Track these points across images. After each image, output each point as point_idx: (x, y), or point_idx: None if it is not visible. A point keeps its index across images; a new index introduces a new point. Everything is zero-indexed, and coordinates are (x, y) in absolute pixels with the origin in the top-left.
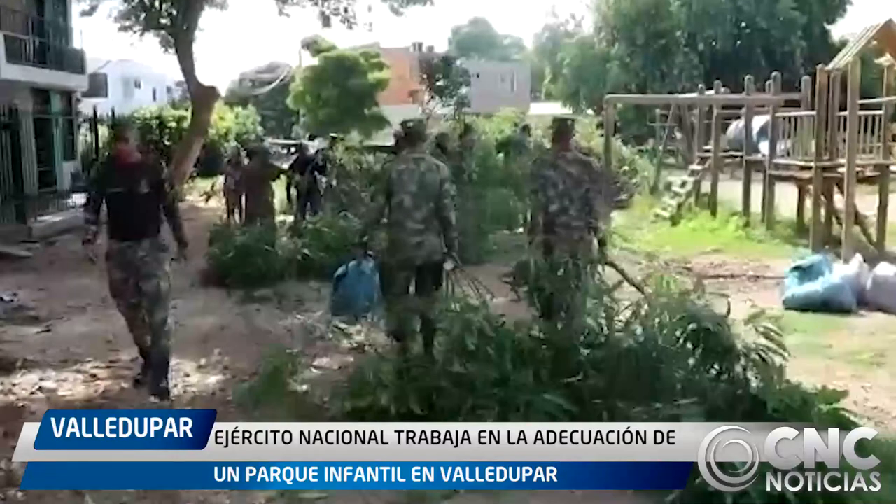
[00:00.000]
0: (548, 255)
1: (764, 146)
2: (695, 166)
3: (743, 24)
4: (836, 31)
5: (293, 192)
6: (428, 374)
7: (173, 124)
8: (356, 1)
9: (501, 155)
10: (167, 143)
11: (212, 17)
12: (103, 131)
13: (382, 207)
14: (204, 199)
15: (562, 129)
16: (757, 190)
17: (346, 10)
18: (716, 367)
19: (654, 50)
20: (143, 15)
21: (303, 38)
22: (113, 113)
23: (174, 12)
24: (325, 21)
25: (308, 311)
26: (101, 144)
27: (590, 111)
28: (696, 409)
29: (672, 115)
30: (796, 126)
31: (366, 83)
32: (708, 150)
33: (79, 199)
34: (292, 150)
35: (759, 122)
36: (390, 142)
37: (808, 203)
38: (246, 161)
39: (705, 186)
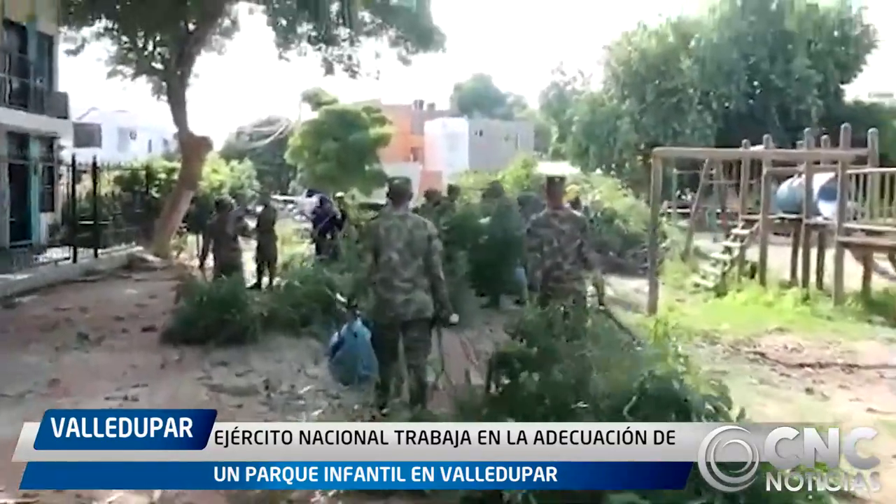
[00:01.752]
0: (544, 308)
1: (825, 208)
2: (739, 230)
3: (756, 83)
4: (850, 90)
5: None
6: None
7: (163, 176)
8: (361, 48)
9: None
10: (155, 195)
11: (209, 66)
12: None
13: (373, 266)
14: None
15: (554, 187)
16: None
17: (349, 58)
18: None
19: (666, 107)
20: (134, 58)
21: (303, 90)
22: (94, 162)
23: (167, 56)
24: (328, 69)
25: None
26: (78, 196)
27: (598, 170)
28: None
29: (705, 172)
30: (864, 186)
31: (367, 138)
32: (752, 212)
33: (56, 253)
34: (290, 205)
35: (818, 180)
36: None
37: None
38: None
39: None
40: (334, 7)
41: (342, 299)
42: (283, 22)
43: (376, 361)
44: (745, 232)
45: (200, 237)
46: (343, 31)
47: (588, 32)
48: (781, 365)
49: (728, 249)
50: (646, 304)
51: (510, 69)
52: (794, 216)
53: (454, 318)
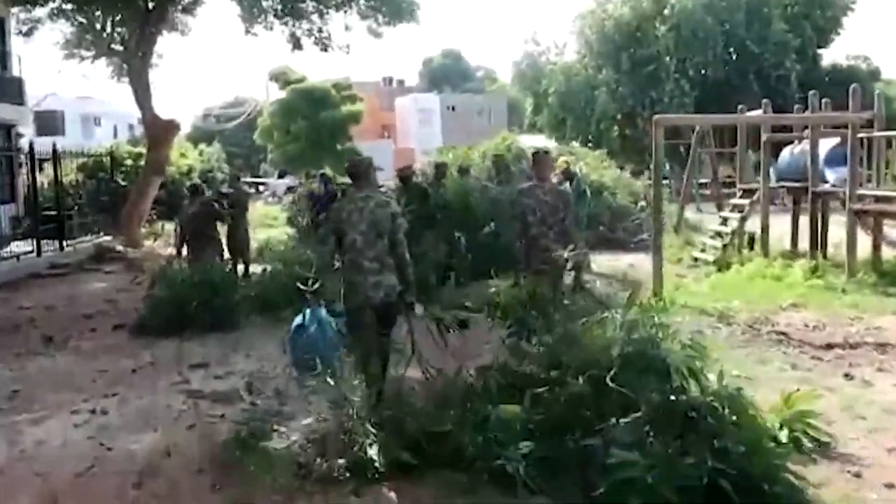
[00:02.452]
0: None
1: (831, 175)
2: (738, 200)
3: (732, 49)
4: (828, 54)
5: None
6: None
7: (129, 161)
8: (330, 21)
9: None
10: (122, 182)
11: (172, 46)
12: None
13: (334, 250)
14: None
15: (540, 159)
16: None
17: (319, 31)
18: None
19: (642, 76)
20: (91, 39)
21: (270, 69)
22: (54, 149)
23: (127, 36)
24: (296, 44)
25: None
26: (40, 186)
27: (575, 142)
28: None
29: (696, 139)
30: (870, 151)
31: (338, 116)
32: (749, 182)
33: (18, 247)
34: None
35: (823, 146)
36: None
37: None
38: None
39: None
40: None
41: (304, 286)
42: None
43: (334, 350)
44: (744, 202)
45: (175, 224)
46: (310, 4)
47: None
48: (808, 346)
49: (725, 221)
50: (646, 282)
51: (479, 43)
52: (796, 184)
53: (418, 308)
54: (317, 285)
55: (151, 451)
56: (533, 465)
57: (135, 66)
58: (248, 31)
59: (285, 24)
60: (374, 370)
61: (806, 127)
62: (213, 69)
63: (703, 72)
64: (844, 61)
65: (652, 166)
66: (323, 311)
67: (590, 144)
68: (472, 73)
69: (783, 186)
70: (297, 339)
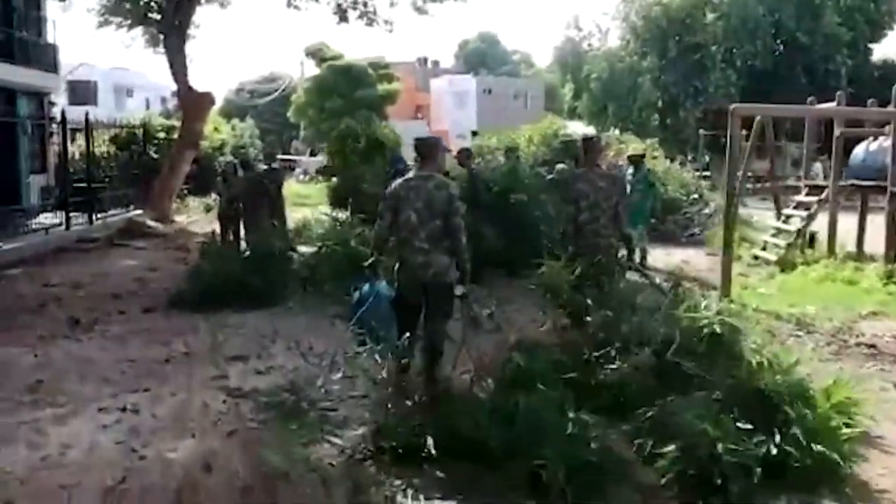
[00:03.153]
0: (577, 263)
1: None
2: (802, 197)
3: (781, 40)
4: (879, 49)
5: None
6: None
7: (162, 134)
8: None
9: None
10: (154, 155)
11: (209, 17)
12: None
13: (390, 226)
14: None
15: (591, 145)
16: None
17: (365, 4)
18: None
19: (688, 65)
20: (128, 7)
21: (307, 45)
22: (87, 119)
23: (164, 4)
24: (342, 16)
25: None
26: (71, 157)
27: (615, 130)
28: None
29: (755, 132)
30: None
31: (375, 95)
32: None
33: (47, 219)
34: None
35: None
36: None
37: None
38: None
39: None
40: None
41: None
42: None
43: (394, 325)
44: (810, 199)
45: (221, 199)
46: None
47: None
48: None
49: (788, 218)
50: (704, 279)
51: (516, 26)
52: (871, 183)
53: (458, 289)
54: (372, 260)
55: (189, 462)
56: (571, 467)
57: (171, 37)
58: (290, 3)
59: None
60: (405, 355)
61: (886, 123)
62: (249, 44)
63: (749, 62)
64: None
65: (727, 161)
66: (383, 284)
67: (630, 132)
68: (509, 56)
69: (854, 185)
70: (354, 313)
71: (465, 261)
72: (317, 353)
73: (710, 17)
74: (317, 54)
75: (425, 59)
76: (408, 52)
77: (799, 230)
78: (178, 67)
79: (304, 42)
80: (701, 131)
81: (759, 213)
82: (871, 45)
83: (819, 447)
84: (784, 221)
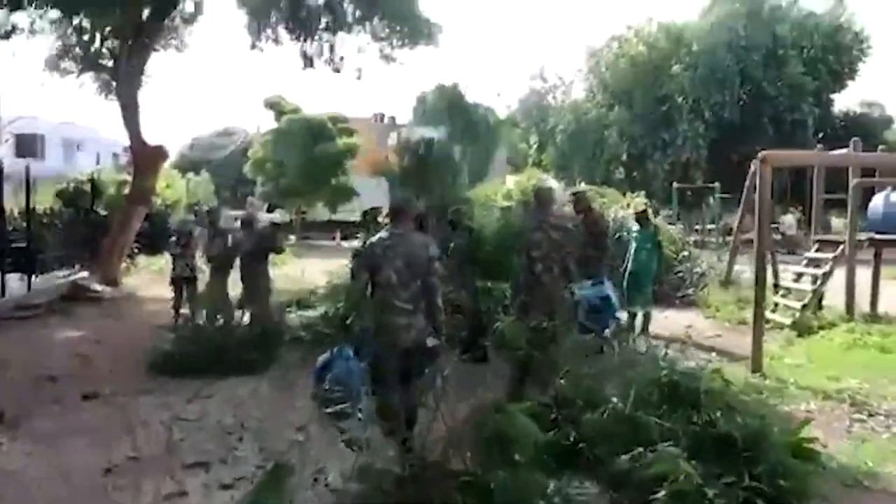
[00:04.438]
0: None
1: None
2: (813, 253)
3: (747, 90)
4: (840, 100)
5: None
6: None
7: (112, 190)
8: (342, 43)
9: None
10: (103, 212)
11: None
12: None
13: (366, 286)
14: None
15: (544, 195)
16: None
17: (332, 49)
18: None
19: (656, 116)
20: (79, 52)
21: (265, 97)
22: (27, 170)
23: (116, 50)
24: (308, 62)
25: None
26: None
27: (583, 184)
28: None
29: (751, 182)
30: None
31: (335, 149)
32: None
33: None
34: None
35: None
36: (355, 217)
37: None
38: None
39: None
40: None
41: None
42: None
43: (363, 393)
44: (823, 256)
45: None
46: (324, 21)
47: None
48: None
49: (799, 276)
50: (724, 347)
51: (476, 79)
52: (892, 237)
53: (430, 341)
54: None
55: None
56: None
57: (124, 83)
58: (254, 46)
59: (297, 38)
60: (393, 418)
61: None
62: (203, 97)
63: (717, 113)
64: (857, 108)
65: (757, 208)
66: (350, 351)
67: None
68: (472, 110)
69: (872, 239)
70: (320, 379)
71: (442, 321)
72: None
73: (677, 67)
74: (275, 107)
75: (382, 116)
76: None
77: (814, 290)
78: (130, 116)
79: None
80: (675, 184)
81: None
82: (832, 96)
83: None
84: (795, 279)
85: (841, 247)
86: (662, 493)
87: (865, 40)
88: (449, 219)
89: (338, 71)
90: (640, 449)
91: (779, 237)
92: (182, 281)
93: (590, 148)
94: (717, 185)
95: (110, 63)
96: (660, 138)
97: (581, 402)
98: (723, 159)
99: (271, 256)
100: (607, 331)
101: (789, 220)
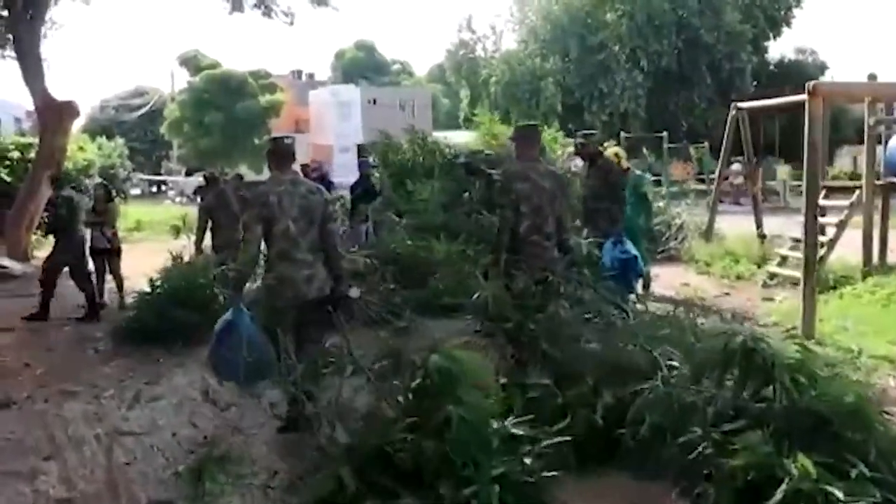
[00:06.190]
0: (512, 280)
1: None
2: (822, 201)
3: (684, 38)
4: (775, 48)
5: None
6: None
7: (16, 154)
8: None
9: None
10: (6, 178)
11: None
12: None
13: (260, 238)
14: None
15: (529, 135)
16: None
17: None
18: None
19: (592, 65)
20: None
21: (179, 54)
22: None
23: None
24: (237, 4)
25: None
26: None
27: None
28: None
29: (730, 126)
30: None
31: (257, 107)
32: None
33: None
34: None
35: None
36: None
37: None
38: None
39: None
40: None
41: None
42: None
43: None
44: (838, 203)
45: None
46: None
47: None
48: None
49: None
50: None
51: (392, 35)
52: None
53: (354, 291)
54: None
55: None
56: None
57: (23, 35)
58: None
59: None
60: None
61: None
62: (112, 55)
63: (655, 62)
64: (793, 55)
65: (806, 150)
66: (246, 314)
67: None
68: (387, 66)
69: (893, 183)
70: (219, 346)
71: (343, 266)
72: None
73: (611, 15)
74: (191, 63)
75: (300, 73)
76: (281, 66)
77: (830, 241)
78: (32, 72)
79: (173, 53)
80: (622, 134)
81: (732, 220)
82: (767, 44)
83: None
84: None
85: (857, 192)
86: (779, 493)
87: None
88: (464, 162)
89: (267, 15)
90: (699, 431)
91: (729, 188)
92: (103, 254)
93: (525, 101)
94: (664, 134)
95: (4, 12)
96: (597, 88)
97: (591, 380)
98: (661, 109)
99: None
100: (632, 296)
101: (737, 168)
